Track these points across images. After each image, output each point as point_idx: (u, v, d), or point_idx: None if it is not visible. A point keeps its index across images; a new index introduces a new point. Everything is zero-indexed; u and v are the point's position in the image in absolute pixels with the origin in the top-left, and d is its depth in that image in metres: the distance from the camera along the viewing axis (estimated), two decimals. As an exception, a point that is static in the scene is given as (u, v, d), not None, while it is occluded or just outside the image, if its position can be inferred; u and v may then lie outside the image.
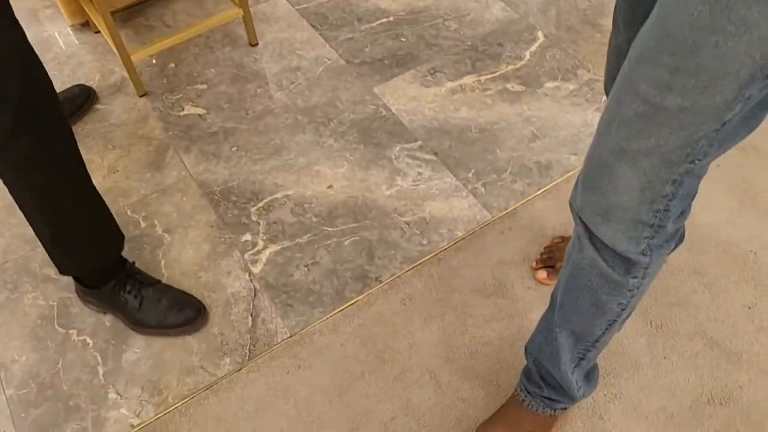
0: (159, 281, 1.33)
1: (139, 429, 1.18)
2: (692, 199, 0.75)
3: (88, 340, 1.30)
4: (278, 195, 1.52)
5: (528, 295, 1.31)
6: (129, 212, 1.50)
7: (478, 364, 1.23)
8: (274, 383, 1.22)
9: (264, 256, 1.42)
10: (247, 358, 1.26)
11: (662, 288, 1.29)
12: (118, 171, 1.58)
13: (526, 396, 1.07)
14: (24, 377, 1.26)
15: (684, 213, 0.76)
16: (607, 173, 0.72)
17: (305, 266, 1.39)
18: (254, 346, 1.28)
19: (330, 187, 1.53)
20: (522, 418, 1.08)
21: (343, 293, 1.35)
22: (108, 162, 1.60)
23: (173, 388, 1.23)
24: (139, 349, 1.28)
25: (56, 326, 1.32)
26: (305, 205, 1.50)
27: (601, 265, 0.81)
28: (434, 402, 1.18)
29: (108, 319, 1.32)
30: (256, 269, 1.39)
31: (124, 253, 1.29)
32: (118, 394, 1.23)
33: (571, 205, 0.82)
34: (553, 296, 0.97)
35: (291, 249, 1.42)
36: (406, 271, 1.37)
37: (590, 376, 1.04)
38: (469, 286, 1.34)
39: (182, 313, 1.30)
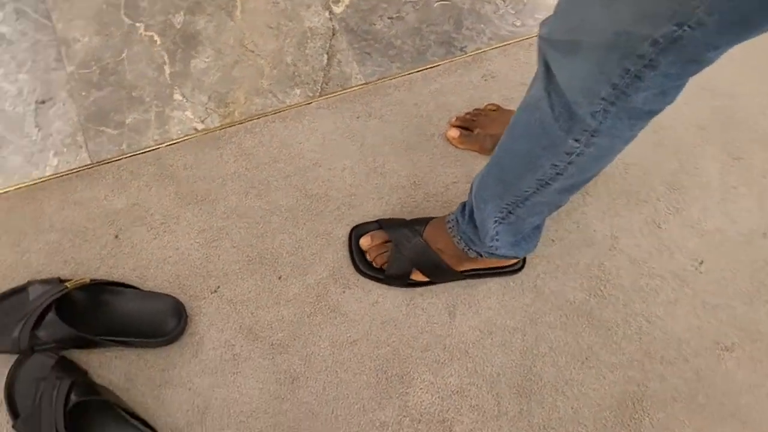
0: None
1: (203, 134, 1.16)
2: (678, 86, 0.64)
3: (156, 38, 1.23)
4: (370, -62, 1.39)
5: (613, 100, 1.26)
6: None
7: (549, 153, 1.21)
8: (343, 124, 1.19)
9: (347, -2, 1.32)
10: (318, 94, 1.22)
11: (751, 123, 1.25)
12: None
13: (452, 220, 1.02)
14: (86, 58, 1.20)
15: (665, 96, 0.65)
16: (581, 6, 0.63)
17: (389, 18, 1.31)
18: (326, 84, 1.23)
19: (427, -57, 1.40)
20: (440, 232, 1.04)
21: (424, 55, 1.28)
22: None
23: (240, 104, 1.20)
24: (208, 58, 1.23)
25: (122, 15, 1.24)
26: (398, -44, 1.37)
27: (545, 108, 0.72)
28: (499, 177, 1.18)
29: (177, 21, 1.25)
30: (337, 9, 1.30)
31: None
32: (184, 96, 1.19)
33: (539, 37, 0.71)
34: None
35: (377, -2, 1.33)
36: (494, 48, 1.30)
37: (520, 243, 0.99)
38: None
39: None
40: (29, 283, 0.97)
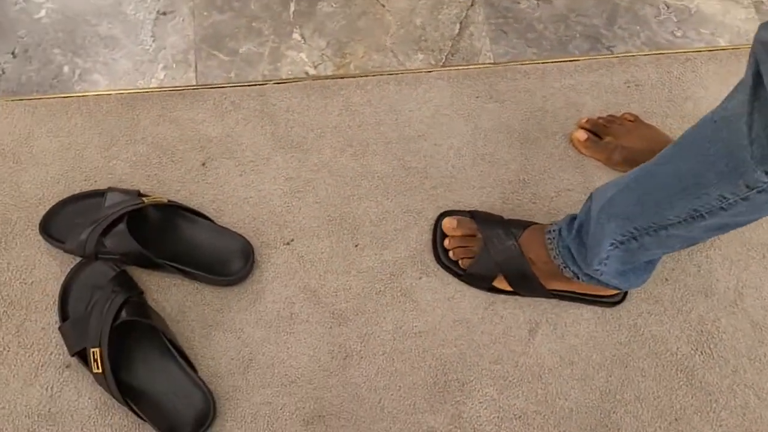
0: None
1: (313, 80, 1.10)
2: None
3: (288, -27, 1.18)
4: None
5: None
6: None
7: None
8: (459, 100, 1.09)
9: (495, -30, 1.22)
10: (441, 63, 1.13)
11: None
12: None
13: (554, 232, 0.90)
14: (216, -21, 1.17)
15: None
16: None
17: None
18: (452, 56, 1.14)
19: (595, -72, 1.26)
20: (536, 240, 0.92)
21: (566, 46, 1.16)
22: None
23: (357, 58, 1.12)
24: (336, 3, 1.16)
25: (261, -56, 1.20)
26: (560, -64, 1.25)
27: (740, 127, 0.59)
28: (619, 195, 1.05)
29: (314, -40, 1.19)
30: (482, -21, 1.20)
31: None
32: (303, 37, 1.13)
33: (756, 40, 0.58)
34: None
35: (527, -25, 1.21)
36: (645, 55, 1.15)
37: (628, 274, 0.86)
38: (709, 100, 1.13)
39: None
40: (109, 189, 0.94)
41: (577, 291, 0.95)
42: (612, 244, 0.80)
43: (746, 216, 0.66)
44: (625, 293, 0.97)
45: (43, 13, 1.11)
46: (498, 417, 0.90)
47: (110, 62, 1.09)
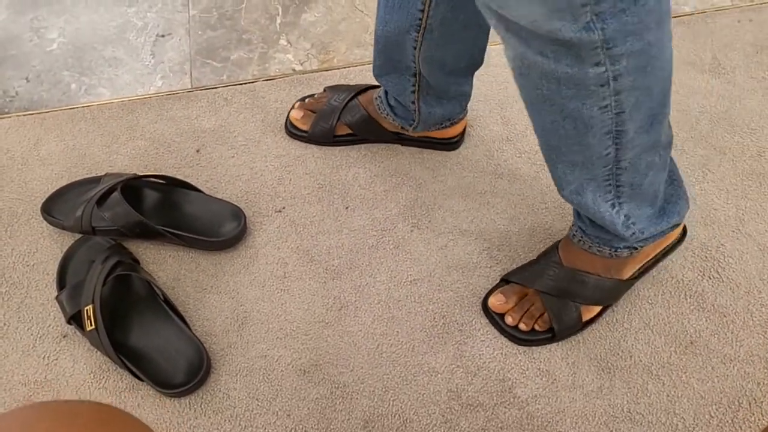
0: None
1: (300, 74, 1.17)
2: None
3: (274, -7, 1.29)
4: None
5: (748, 83, 1.11)
6: None
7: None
8: (440, 80, 1.15)
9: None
10: (419, 51, 1.20)
11: None
12: None
13: (577, 231, 0.85)
14: (209, 5, 1.28)
15: None
16: None
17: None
18: (429, 45, 1.21)
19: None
20: (576, 253, 0.86)
21: (536, 26, 1.22)
22: None
23: (341, 54, 1.20)
24: (319, 14, 1.26)
25: (249, -26, 1.33)
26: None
27: (535, 60, 0.59)
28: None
29: (297, -18, 1.31)
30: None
31: None
32: (289, 42, 1.22)
33: None
34: None
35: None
36: (613, 26, 1.21)
37: (664, 209, 0.80)
38: (683, 58, 1.16)
39: None
40: (106, 174, 0.99)
41: (651, 258, 0.89)
42: (613, 207, 0.75)
43: (645, 97, 0.63)
44: (684, 232, 0.91)
45: (55, 46, 1.23)
46: (502, 354, 0.86)
47: (113, 78, 1.18)
